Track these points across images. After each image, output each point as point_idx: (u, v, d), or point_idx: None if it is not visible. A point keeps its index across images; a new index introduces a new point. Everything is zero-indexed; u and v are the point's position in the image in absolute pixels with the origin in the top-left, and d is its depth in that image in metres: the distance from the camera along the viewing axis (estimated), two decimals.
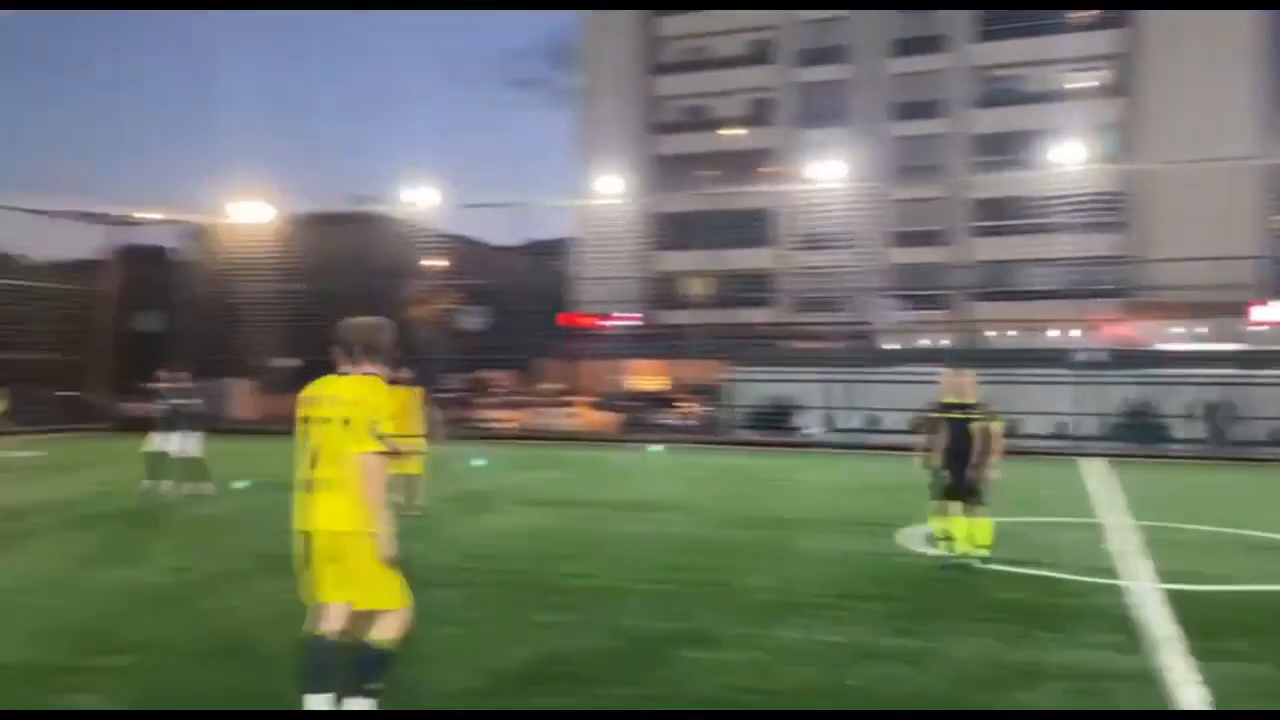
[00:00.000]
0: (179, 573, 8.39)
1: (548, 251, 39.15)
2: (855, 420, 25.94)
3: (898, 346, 36.09)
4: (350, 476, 4.23)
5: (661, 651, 6.07)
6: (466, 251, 36.14)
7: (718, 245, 34.38)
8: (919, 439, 9.38)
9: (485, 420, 29.28)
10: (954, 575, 8.54)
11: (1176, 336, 35.42)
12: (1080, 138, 28.42)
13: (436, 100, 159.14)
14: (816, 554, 9.56)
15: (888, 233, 38.84)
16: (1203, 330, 35.14)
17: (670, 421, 29.54)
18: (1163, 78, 38.64)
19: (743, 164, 43.49)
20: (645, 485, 15.41)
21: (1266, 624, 7.14)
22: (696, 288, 43.48)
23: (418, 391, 11.63)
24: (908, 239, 40.97)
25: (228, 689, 5.32)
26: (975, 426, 8.84)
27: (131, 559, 9.00)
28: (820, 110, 43.85)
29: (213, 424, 27.63)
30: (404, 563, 4.35)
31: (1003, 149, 38.70)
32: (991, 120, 41.66)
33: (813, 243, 31.84)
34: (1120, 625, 6.83)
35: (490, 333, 29.81)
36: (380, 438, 4.24)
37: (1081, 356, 27.34)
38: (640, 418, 29.55)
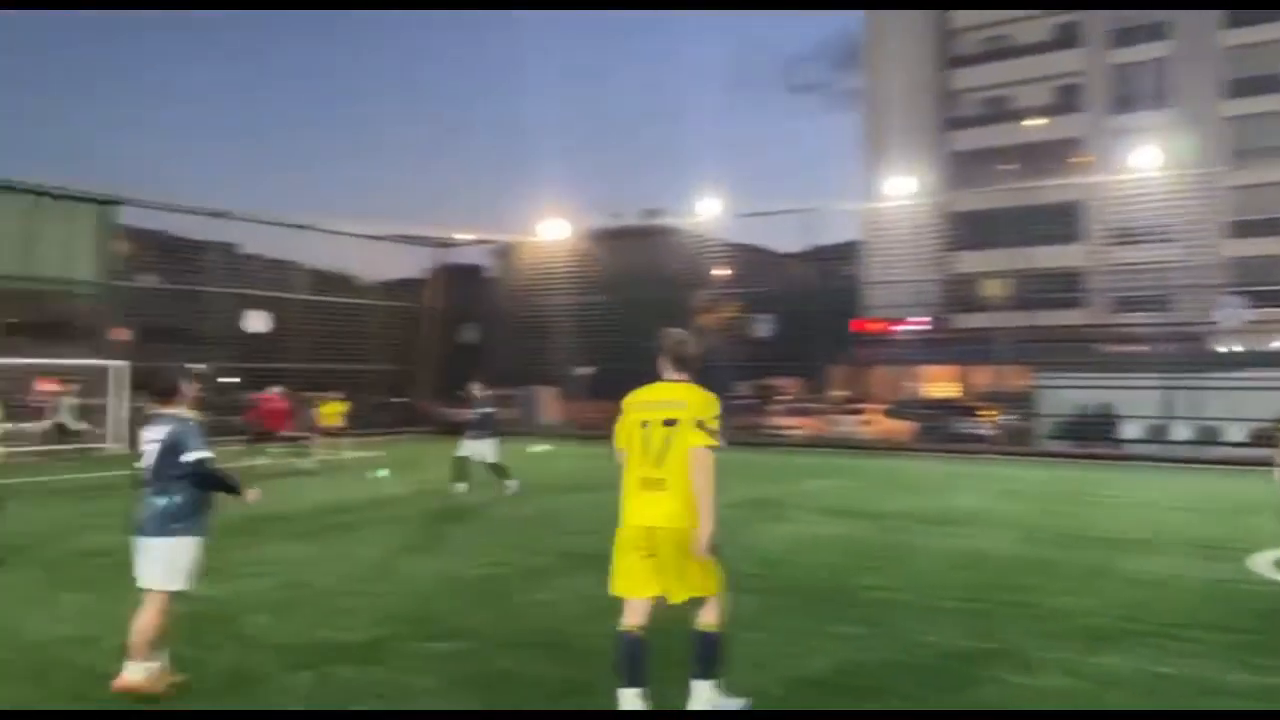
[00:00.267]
0: (494, 566, 8.96)
1: (835, 257, 38.57)
2: (1186, 431, 23.35)
3: (1237, 349, 32.18)
4: (681, 476, 4.56)
5: (970, 672, 5.74)
6: (753, 259, 36.37)
7: (1020, 243, 32.27)
8: (1277, 452, 8.24)
9: (774, 427, 29.23)
10: None
11: None
12: None
13: (720, 111, 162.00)
14: (1145, 577, 8.65)
15: (1222, 223, 34.88)
16: None
17: (969, 430, 28.05)
18: None
19: (1047, 156, 40.71)
20: (946, 497, 14.69)
21: None
22: (994, 289, 41.16)
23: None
24: (1246, 229, 36.59)
25: (541, 678, 5.60)
26: None
27: (450, 552, 9.74)
28: (1136, 93, 40.18)
29: (521, 429, 29.75)
30: (719, 551, 4.66)
31: None
32: None
33: (1131, 237, 29.10)
34: None
35: (777, 340, 29.67)
36: (711, 433, 4.57)
37: None
38: (937, 426, 28.31)
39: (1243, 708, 5.16)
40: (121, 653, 5.27)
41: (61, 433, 19.46)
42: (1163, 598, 7.83)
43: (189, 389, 5.51)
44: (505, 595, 7.73)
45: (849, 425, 28.10)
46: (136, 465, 5.40)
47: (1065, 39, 44.22)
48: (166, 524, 5.16)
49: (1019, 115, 45.48)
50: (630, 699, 4.51)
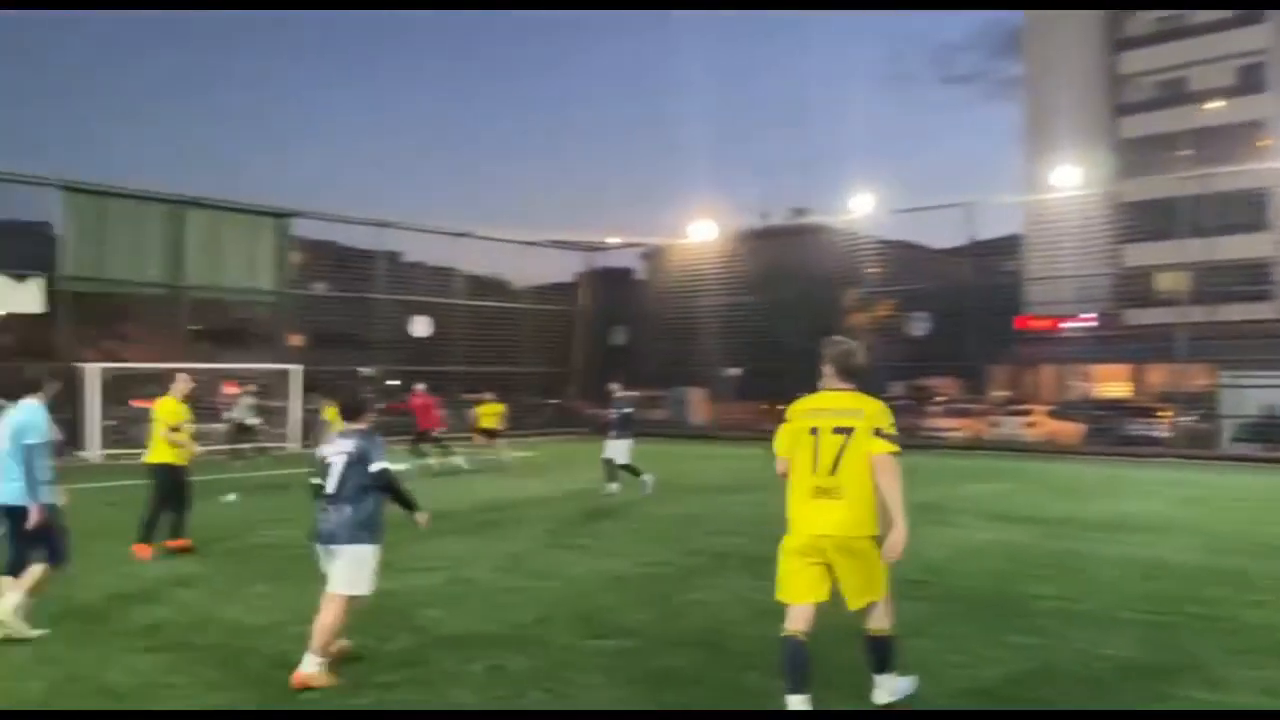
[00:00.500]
0: (649, 566, 9.04)
1: (995, 252, 37.07)
2: None
3: None
4: (856, 484, 4.58)
5: (1152, 687, 5.44)
6: (908, 256, 35.38)
7: (1198, 233, 30.20)
8: None
9: (931, 429, 28.37)
10: None
11: None
12: None
13: (871, 106, 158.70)
14: None
15: None
16: None
17: (1143, 432, 26.50)
18: None
19: (1227, 140, 38.04)
20: (1120, 503, 13.93)
21: None
22: (1170, 283, 38.69)
23: None
24: None
25: (703, 679, 5.61)
26: None
27: (606, 551, 9.87)
28: None
29: (671, 429, 29.88)
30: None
31: None
32: None
33: None
34: None
35: (933, 338, 28.74)
36: (893, 440, 4.60)
37: None
38: (1107, 428, 26.87)
39: None
40: (302, 641, 5.57)
41: (240, 431, 20.76)
42: None
43: (373, 408, 5.96)
44: (664, 595, 7.78)
45: (1012, 427, 27.00)
46: (314, 479, 5.72)
47: (1247, 16, 41.25)
48: (356, 532, 5.50)
49: (1196, 98, 42.72)
50: (797, 704, 4.52)
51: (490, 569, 8.81)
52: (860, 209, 29.87)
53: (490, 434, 20.02)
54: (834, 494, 4.60)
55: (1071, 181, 28.10)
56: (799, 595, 4.64)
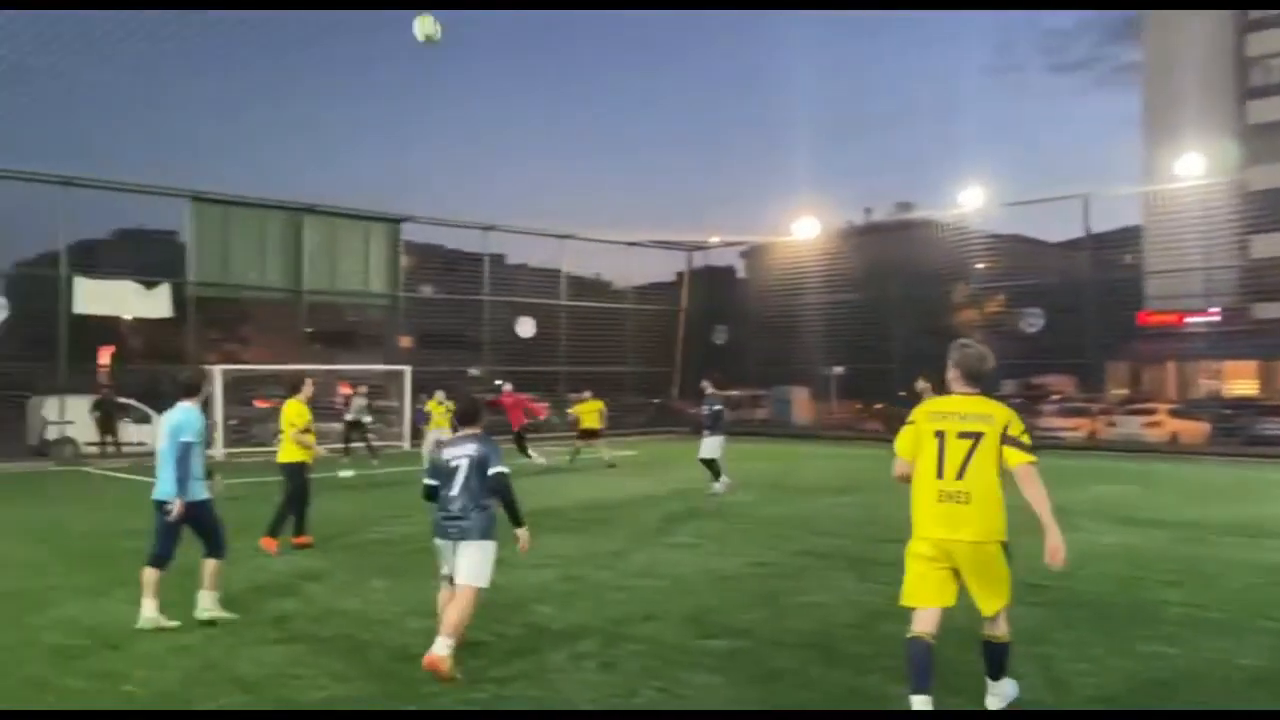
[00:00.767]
0: (755, 565, 9.00)
1: (1113, 244, 35.67)
2: None
3: None
4: (984, 490, 4.53)
5: None
6: (1019, 250, 34.30)
7: None
8: None
9: (1045, 428, 27.45)
10: None
11: None
12: None
13: (979, 97, 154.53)
14: None
15: None
16: None
17: (1274, 432, 25.12)
18: None
19: None
20: (1253, 506, 13.26)
21: None
22: None
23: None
24: None
25: (816, 680, 5.56)
26: None
27: (710, 550, 9.86)
28: None
29: (774, 429, 29.64)
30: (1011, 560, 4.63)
31: None
32: None
33: None
34: None
35: (1048, 335, 27.78)
36: (1028, 448, 4.56)
37: None
38: (1236, 428, 25.58)
39: None
40: (421, 634, 5.72)
41: (354, 429, 21.39)
42: None
43: (485, 414, 6.24)
44: (772, 595, 7.73)
45: (1133, 426, 25.94)
46: (428, 480, 5.91)
47: None
48: (483, 530, 5.75)
49: None
50: (920, 704, 4.47)
51: (598, 566, 8.90)
52: (970, 203, 29.08)
53: (591, 434, 20.17)
54: (962, 499, 4.53)
55: (1194, 170, 26.81)
56: (927, 599, 4.58)
